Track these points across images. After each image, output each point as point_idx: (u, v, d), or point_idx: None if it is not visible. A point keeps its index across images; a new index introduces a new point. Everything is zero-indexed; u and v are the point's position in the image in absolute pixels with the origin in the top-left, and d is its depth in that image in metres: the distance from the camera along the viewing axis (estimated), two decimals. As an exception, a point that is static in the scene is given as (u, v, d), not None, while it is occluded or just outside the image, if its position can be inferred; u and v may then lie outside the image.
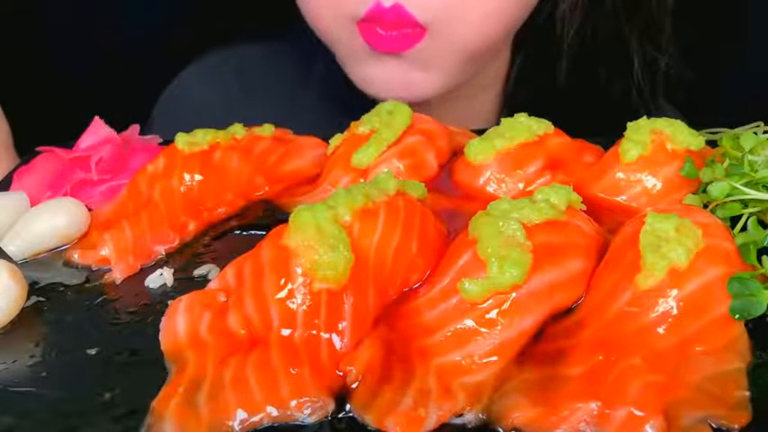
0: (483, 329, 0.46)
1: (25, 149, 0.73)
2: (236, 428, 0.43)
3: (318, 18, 0.76)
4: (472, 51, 0.74)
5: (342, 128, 0.67)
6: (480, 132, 0.65)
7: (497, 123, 0.64)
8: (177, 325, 0.48)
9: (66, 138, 0.70)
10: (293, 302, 0.46)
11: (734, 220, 0.54)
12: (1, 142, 0.76)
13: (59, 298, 0.54)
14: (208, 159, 0.63)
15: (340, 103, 0.88)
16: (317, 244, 0.46)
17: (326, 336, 0.46)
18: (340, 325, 0.46)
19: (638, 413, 0.41)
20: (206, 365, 0.45)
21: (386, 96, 0.74)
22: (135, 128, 0.73)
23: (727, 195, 0.55)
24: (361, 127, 0.65)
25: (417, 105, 0.71)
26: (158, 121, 0.95)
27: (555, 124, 0.64)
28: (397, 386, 0.44)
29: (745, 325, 0.47)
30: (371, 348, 0.45)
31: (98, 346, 0.49)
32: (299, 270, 0.46)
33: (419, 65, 0.73)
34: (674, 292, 0.45)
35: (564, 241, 0.49)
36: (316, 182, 0.66)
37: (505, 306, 0.46)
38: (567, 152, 0.64)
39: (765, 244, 0.52)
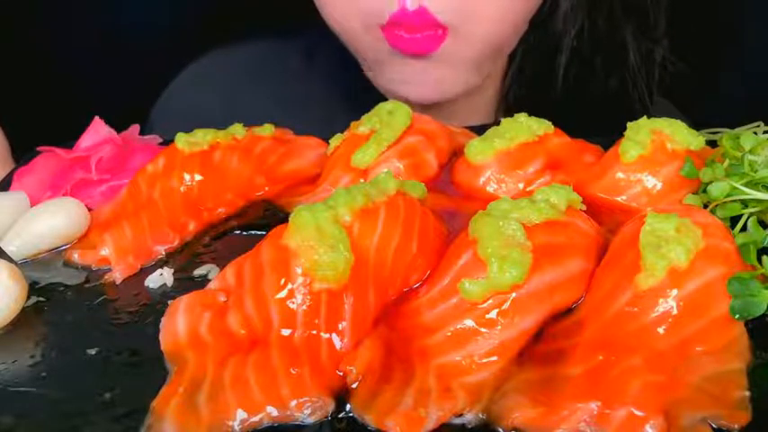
0: (483, 329, 0.46)
1: (25, 149, 0.73)
2: (236, 428, 0.43)
3: (343, 24, 0.77)
4: (495, 46, 0.76)
5: (344, 126, 0.67)
6: (480, 132, 0.65)
7: (496, 120, 0.64)
8: (177, 325, 0.48)
9: (67, 138, 0.70)
10: (293, 302, 0.46)
11: (734, 220, 0.55)
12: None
13: (59, 298, 0.54)
14: (208, 159, 0.63)
15: (343, 100, 0.88)
16: (317, 244, 0.46)
17: (326, 336, 0.46)
18: (340, 325, 0.46)
19: (638, 413, 0.41)
20: (206, 365, 0.45)
21: (416, 98, 0.76)
22: (135, 128, 0.73)
23: (727, 195, 0.55)
24: (361, 127, 0.65)
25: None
26: (158, 123, 0.95)
27: (554, 122, 0.64)
28: (397, 386, 0.44)
29: (745, 325, 0.46)
30: (371, 348, 0.45)
31: (98, 346, 0.49)
32: (299, 270, 0.46)
33: (446, 64, 0.74)
34: (674, 292, 0.45)
35: (564, 241, 0.49)
36: (316, 182, 0.65)
37: (505, 306, 0.46)
38: (567, 152, 0.64)
39: (765, 244, 0.52)
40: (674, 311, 0.45)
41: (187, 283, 0.55)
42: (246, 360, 0.45)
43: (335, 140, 0.67)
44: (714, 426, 0.42)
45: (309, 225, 0.47)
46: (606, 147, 0.63)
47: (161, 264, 0.57)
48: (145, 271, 0.57)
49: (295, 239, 0.47)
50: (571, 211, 0.51)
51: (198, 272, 0.56)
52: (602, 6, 0.83)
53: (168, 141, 0.67)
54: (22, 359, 0.49)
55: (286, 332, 0.46)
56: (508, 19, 0.74)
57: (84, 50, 1.03)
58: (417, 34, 0.71)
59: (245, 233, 0.61)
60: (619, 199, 0.59)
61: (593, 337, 0.46)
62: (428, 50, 0.72)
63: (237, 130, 0.66)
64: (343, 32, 0.78)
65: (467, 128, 0.72)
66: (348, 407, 0.44)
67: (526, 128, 0.63)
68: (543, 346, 0.47)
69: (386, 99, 0.68)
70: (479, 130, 0.67)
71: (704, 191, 0.57)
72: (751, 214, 0.54)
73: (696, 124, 0.62)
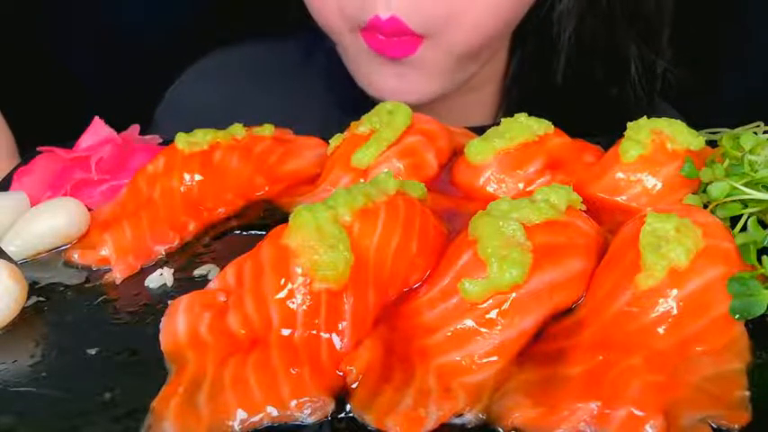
0: (483, 329, 0.46)
1: (25, 149, 0.73)
2: (236, 428, 0.43)
3: (326, 23, 0.78)
4: (470, 54, 0.76)
5: (344, 126, 0.67)
6: (480, 132, 0.65)
7: (496, 120, 0.64)
8: (177, 325, 0.48)
9: (66, 138, 0.70)
10: (293, 302, 0.46)
11: (734, 220, 0.54)
12: (4, 152, 0.77)
13: (59, 298, 0.54)
14: (208, 159, 0.63)
15: (343, 100, 0.88)
16: (317, 244, 0.46)
17: (326, 336, 0.46)
18: (340, 325, 0.46)
19: (638, 413, 0.41)
20: (206, 365, 0.45)
21: (388, 99, 0.75)
22: (135, 128, 0.73)
23: (727, 195, 0.55)
24: (361, 127, 0.65)
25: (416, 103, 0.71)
26: (160, 123, 0.95)
27: (554, 122, 0.64)
28: (397, 386, 0.44)
29: (745, 325, 0.47)
30: (371, 348, 0.45)
31: (98, 346, 0.49)
32: (299, 270, 0.46)
33: (419, 70, 0.75)
34: (674, 292, 0.45)
35: (564, 241, 0.49)
36: (316, 182, 0.66)
37: (505, 306, 0.46)
38: (567, 152, 0.64)
39: (765, 244, 0.52)
40: (674, 311, 0.45)
41: (187, 283, 0.55)
42: (246, 360, 0.45)
43: (335, 140, 0.67)
44: (714, 426, 0.42)
45: (309, 225, 0.47)
46: (606, 147, 0.63)
47: (161, 264, 0.57)
48: (145, 271, 0.57)
49: (295, 239, 0.47)
50: (571, 211, 0.51)
51: (198, 272, 0.56)
52: (598, 8, 0.83)
53: (168, 141, 0.67)
54: (22, 359, 0.49)
55: (286, 332, 0.46)
56: (487, 27, 0.74)
57: (84, 50, 1.03)
58: (394, 38, 0.72)
59: (245, 233, 0.61)
60: (619, 199, 0.59)
61: (593, 337, 0.46)
62: (403, 54, 0.73)
63: (237, 130, 0.66)
64: (327, 30, 0.79)
65: (467, 128, 0.72)
66: (348, 407, 0.44)
67: (526, 128, 0.63)
68: (543, 346, 0.47)
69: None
70: (479, 130, 0.67)
71: (704, 191, 0.57)
72: (751, 214, 0.54)
73: (696, 124, 0.62)
